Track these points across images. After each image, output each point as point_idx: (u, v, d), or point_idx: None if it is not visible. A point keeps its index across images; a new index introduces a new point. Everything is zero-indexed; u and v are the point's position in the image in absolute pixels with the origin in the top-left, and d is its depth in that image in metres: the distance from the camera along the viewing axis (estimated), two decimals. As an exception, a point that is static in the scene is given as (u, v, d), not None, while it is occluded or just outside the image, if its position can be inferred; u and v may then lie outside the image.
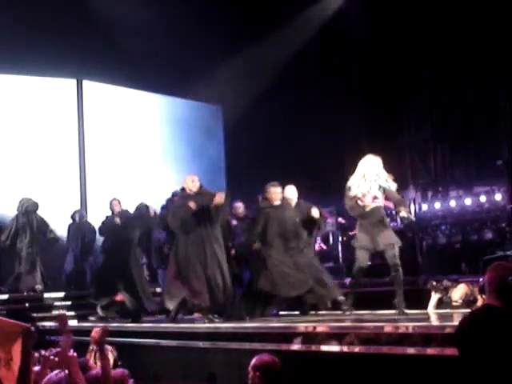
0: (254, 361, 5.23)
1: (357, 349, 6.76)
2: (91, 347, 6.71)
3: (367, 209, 9.24)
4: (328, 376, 6.85)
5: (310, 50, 18.15)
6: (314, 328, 7.52)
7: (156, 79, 17.46)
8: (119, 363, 7.36)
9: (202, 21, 17.09)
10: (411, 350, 6.32)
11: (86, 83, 17.52)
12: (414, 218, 10.07)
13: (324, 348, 7.10)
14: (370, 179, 9.26)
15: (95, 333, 6.37)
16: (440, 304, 9.18)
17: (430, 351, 6.11)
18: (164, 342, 8.98)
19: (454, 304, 8.94)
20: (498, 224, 14.97)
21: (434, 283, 9.22)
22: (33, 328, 4.93)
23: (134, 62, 16.70)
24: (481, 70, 16.93)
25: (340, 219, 16.80)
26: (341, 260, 16.00)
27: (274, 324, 8.26)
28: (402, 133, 18.94)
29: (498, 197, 15.28)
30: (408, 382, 6.17)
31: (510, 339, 4.01)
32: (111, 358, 7.31)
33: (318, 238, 16.96)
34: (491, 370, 4.02)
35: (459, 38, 16.88)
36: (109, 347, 7.45)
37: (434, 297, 9.22)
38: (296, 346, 7.34)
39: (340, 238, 16.58)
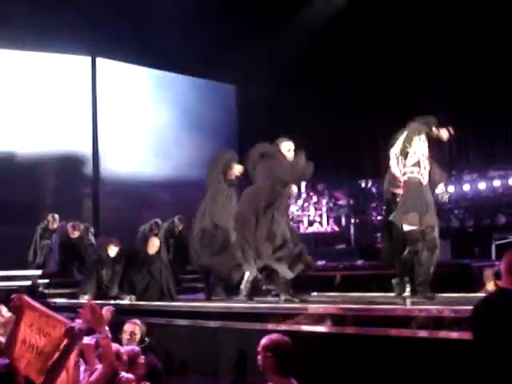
0: (264, 341, 5.20)
1: (367, 330, 6.77)
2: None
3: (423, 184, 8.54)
4: (339, 357, 6.87)
5: (329, 36, 18.06)
6: (325, 309, 7.51)
7: (170, 58, 17.40)
8: (146, 339, 7.39)
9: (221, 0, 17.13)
10: (423, 333, 6.32)
11: (99, 61, 17.51)
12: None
13: (335, 329, 7.12)
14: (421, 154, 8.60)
15: (106, 312, 6.38)
16: None
17: (441, 334, 6.12)
18: (176, 321, 9.02)
19: None
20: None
21: None
22: (77, 327, 4.96)
23: (149, 40, 16.62)
24: (497, 53, 16.84)
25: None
26: (353, 242, 15.98)
27: (286, 304, 8.26)
28: (417, 114, 18.83)
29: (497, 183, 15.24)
30: (419, 365, 6.18)
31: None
32: (138, 333, 7.36)
33: (331, 220, 16.98)
34: (506, 354, 4.00)
35: (477, 23, 16.81)
36: (137, 322, 7.50)
37: None
38: (307, 327, 7.36)
39: (352, 220, 16.56)
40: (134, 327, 7.38)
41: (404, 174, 8.59)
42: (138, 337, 7.30)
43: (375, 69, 18.85)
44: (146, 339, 7.37)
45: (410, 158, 8.54)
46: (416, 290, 8.47)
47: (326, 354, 7.02)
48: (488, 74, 17.15)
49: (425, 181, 8.49)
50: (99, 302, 10.73)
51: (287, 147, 9.06)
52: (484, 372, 4.15)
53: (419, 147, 8.59)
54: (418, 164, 8.49)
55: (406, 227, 8.37)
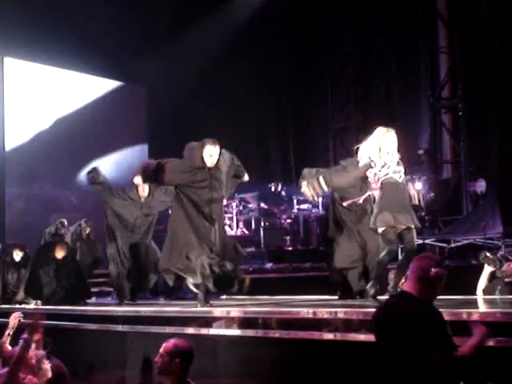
0: (170, 347, 5.19)
1: (274, 333, 6.82)
2: (7, 332, 6.61)
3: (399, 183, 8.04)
4: (246, 360, 6.89)
5: (240, 37, 18.16)
6: (229, 312, 7.53)
7: (80, 58, 17.20)
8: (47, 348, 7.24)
9: (133, 1, 17.03)
10: (329, 336, 6.39)
11: (7, 60, 17.17)
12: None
13: (241, 333, 7.14)
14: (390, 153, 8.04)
15: (13, 319, 6.29)
16: (492, 279, 8.40)
17: (348, 337, 6.20)
18: (83, 325, 8.91)
19: (507, 280, 8.23)
20: (417, 213, 15.12)
21: (488, 254, 8.50)
22: None
23: (58, 40, 16.39)
24: (405, 58, 17.25)
25: (262, 204, 16.92)
26: (263, 245, 16.07)
27: (194, 308, 8.25)
28: (325, 119, 19.15)
29: (418, 186, 15.52)
30: (325, 367, 6.24)
31: (420, 326, 4.10)
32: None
33: (241, 223, 17.05)
34: (402, 355, 4.11)
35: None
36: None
37: (487, 270, 8.43)
38: (215, 331, 7.37)
39: (262, 223, 16.65)
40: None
41: (378, 179, 8.10)
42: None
43: (286, 69, 19.13)
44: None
45: (382, 158, 8.07)
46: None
47: (233, 357, 7.04)
48: (396, 78, 17.53)
49: (400, 179, 8.05)
50: (4, 306, 10.60)
51: (209, 152, 8.88)
52: (385, 374, 4.24)
53: (390, 146, 8.10)
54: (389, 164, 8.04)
55: (380, 228, 7.98)
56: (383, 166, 7.97)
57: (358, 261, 9.04)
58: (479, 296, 8.40)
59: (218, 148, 8.79)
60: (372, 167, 8.04)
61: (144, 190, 10.42)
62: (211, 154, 8.74)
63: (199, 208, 8.74)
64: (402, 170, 8.04)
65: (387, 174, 7.97)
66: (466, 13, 16.14)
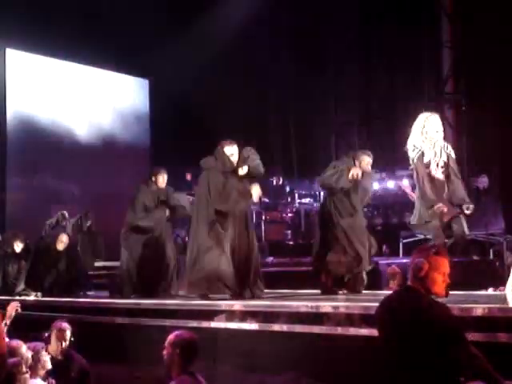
0: (172, 337, 5.21)
1: (275, 327, 6.81)
2: (4, 321, 6.56)
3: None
4: (248, 353, 6.88)
5: (245, 32, 18.09)
6: (233, 306, 7.52)
7: (82, 49, 17.14)
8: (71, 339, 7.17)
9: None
10: (330, 330, 6.38)
11: (9, 51, 17.12)
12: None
13: (242, 326, 7.13)
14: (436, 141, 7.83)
15: (11, 308, 6.26)
16: None
17: (350, 331, 6.19)
18: (84, 318, 8.89)
19: None
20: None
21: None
22: None
23: (60, 31, 16.33)
24: (408, 52, 17.22)
25: (264, 198, 16.87)
26: (263, 239, 16.03)
27: (195, 301, 8.24)
28: (327, 113, 19.11)
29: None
30: (326, 361, 6.23)
31: (426, 321, 4.06)
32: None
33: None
34: (406, 351, 4.07)
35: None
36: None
37: None
38: (216, 324, 7.35)
39: (263, 217, 16.62)
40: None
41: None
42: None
43: (288, 65, 19.09)
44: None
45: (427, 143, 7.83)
46: None
47: (234, 350, 7.03)
48: (400, 71, 17.51)
49: (441, 177, 7.86)
50: (4, 297, 10.58)
51: (230, 152, 8.85)
52: (389, 368, 4.22)
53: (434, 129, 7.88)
54: (434, 156, 7.85)
55: (433, 220, 7.83)
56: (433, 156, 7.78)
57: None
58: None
59: (236, 147, 8.79)
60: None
61: (164, 179, 10.30)
62: (232, 153, 8.75)
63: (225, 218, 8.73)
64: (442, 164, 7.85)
65: (428, 167, 7.83)
66: (469, 7, 16.08)
